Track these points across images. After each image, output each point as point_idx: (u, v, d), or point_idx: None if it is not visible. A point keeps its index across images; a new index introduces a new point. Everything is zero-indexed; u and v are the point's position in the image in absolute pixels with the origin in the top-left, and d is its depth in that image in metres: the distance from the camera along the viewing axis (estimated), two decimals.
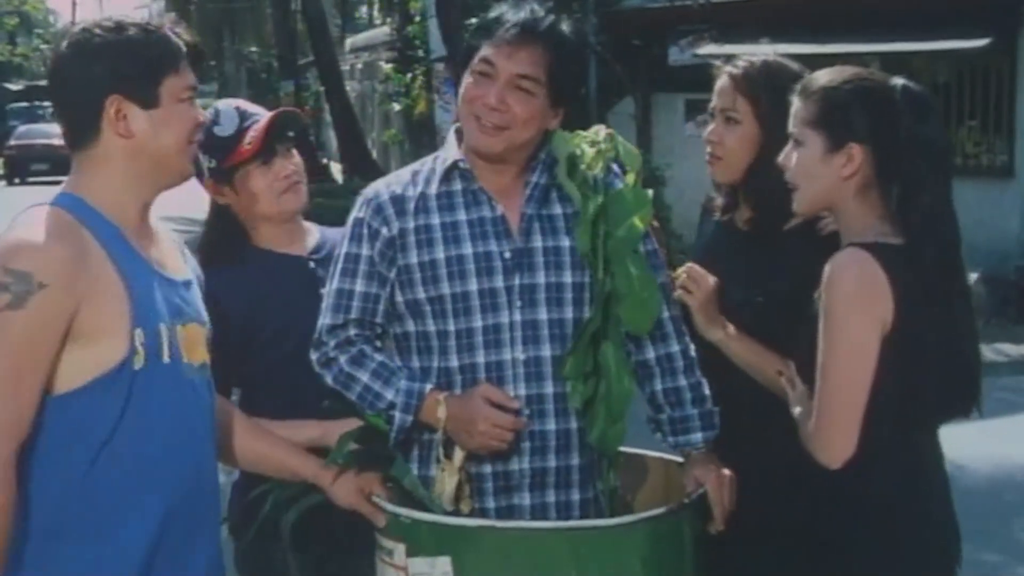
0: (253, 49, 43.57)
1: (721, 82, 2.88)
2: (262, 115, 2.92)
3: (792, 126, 2.56)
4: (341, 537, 2.71)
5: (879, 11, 13.12)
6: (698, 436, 2.61)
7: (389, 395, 2.51)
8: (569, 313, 2.54)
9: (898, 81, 2.54)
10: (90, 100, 2.22)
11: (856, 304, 2.39)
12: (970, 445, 6.78)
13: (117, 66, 2.21)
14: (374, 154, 23.78)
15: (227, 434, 2.56)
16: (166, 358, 2.23)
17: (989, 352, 10.01)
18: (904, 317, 2.39)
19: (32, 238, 2.13)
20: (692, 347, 2.67)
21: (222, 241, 2.94)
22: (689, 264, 2.76)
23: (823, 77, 2.56)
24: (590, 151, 2.61)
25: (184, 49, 2.28)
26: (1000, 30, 12.74)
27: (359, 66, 29.87)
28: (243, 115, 2.90)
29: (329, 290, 2.60)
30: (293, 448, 2.62)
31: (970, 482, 6.52)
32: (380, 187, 2.61)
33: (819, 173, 2.49)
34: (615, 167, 2.64)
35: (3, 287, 2.08)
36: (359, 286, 2.56)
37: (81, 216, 2.19)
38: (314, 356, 2.60)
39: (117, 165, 2.24)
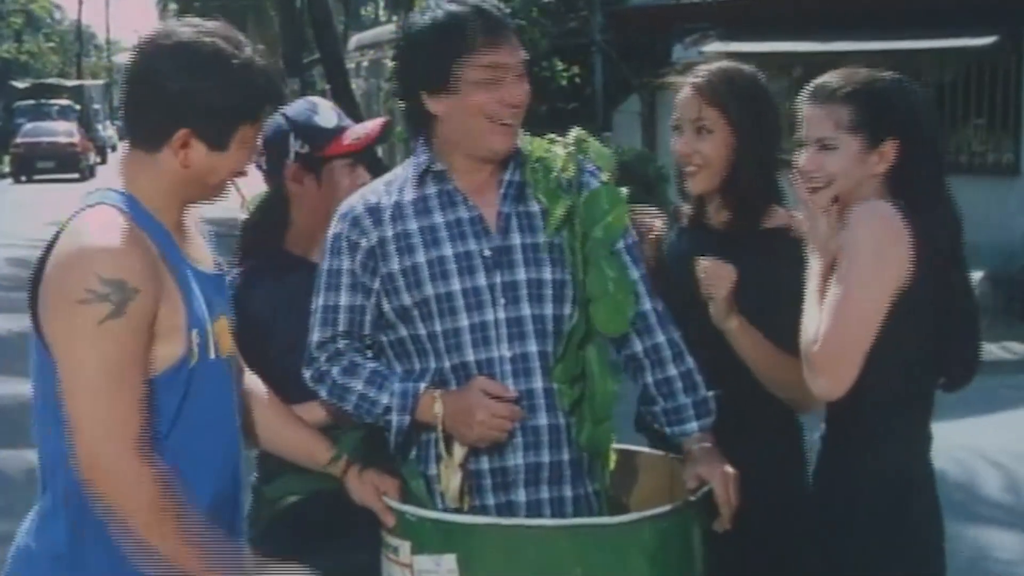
0: (259, 47, 43.58)
1: (684, 95, 2.91)
2: (351, 123, 3.00)
3: (818, 131, 2.60)
4: (346, 534, 2.72)
5: (885, 8, 13.12)
6: (694, 425, 2.60)
7: (384, 399, 2.51)
8: (549, 309, 2.54)
9: (893, 74, 2.63)
10: (167, 122, 2.22)
11: (879, 248, 2.45)
12: (976, 442, 6.80)
13: (205, 104, 2.21)
14: (379, 151, 23.81)
15: (258, 415, 2.58)
16: (212, 355, 2.28)
17: (995, 350, 9.99)
18: (921, 271, 2.45)
19: (113, 243, 2.14)
20: (678, 335, 2.66)
21: (264, 237, 2.97)
22: (705, 261, 2.77)
23: (843, 79, 2.62)
24: (561, 153, 2.60)
25: (272, 94, 2.30)
26: (1007, 28, 12.73)
27: (365, 64, 29.88)
28: (340, 115, 3.00)
29: (315, 307, 2.60)
30: (317, 435, 2.62)
31: (975, 479, 6.53)
32: (354, 200, 2.61)
33: (855, 173, 2.57)
34: (588, 167, 2.63)
35: (102, 297, 2.09)
36: (343, 299, 2.57)
37: (136, 217, 2.21)
38: (307, 373, 2.61)
39: (167, 179, 2.26)
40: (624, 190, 2.63)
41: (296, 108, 3.00)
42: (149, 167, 2.26)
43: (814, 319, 2.51)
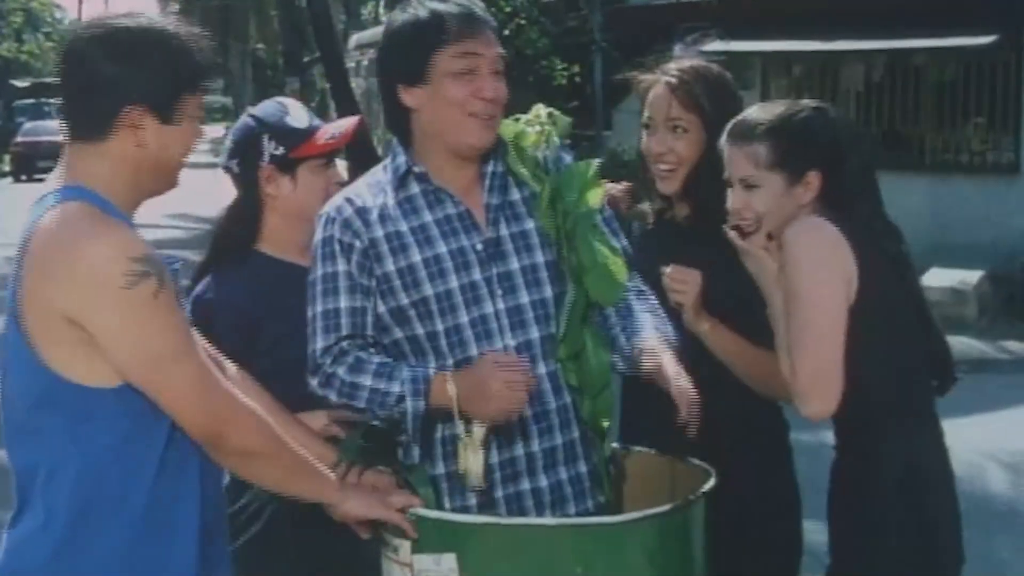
0: (259, 46, 43.61)
1: (658, 93, 2.91)
2: (321, 122, 2.99)
3: (740, 171, 2.62)
4: (346, 530, 2.71)
5: (885, 8, 13.11)
6: (651, 331, 2.56)
7: (396, 388, 2.48)
8: (548, 292, 2.56)
9: (818, 104, 2.65)
10: (111, 103, 2.20)
11: (818, 260, 2.47)
12: (977, 441, 6.79)
13: (148, 78, 2.20)
14: (379, 151, 23.78)
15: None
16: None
17: (994, 349, 10.00)
18: (871, 275, 2.48)
19: (117, 226, 2.15)
20: (647, 290, 2.68)
21: (236, 241, 2.95)
22: (669, 270, 2.77)
23: (760, 116, 2.64)
24: (532, 132, 2.62)
25: (209, 66, 2.29)
26: (1006, 27, 12.73)
27: (364, 63, 29.86)
28: (311, 115, 2.99)
29: (314, 314, 2.57)
30: (316, 437, 2.61)
31: (976, 479, 6.52)
32: (340, 203, 2.59)
33: (782, 208, 2.59)
34: (557, 140, 2.66)
35: (144, 274, 2.10)
36: (343, 302, 2.54)
37: (107, 210, 2.19)
38: (314, 381, 2.57)
39: (122, 166, 2.23)
40: (597, 161, 2.66)
41: (267, 109, 2.99)
42: (100, 159, 2.22)
43: (783, 348, 2.55)
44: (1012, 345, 10.29)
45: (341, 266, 2.54)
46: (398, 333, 2.55)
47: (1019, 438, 7.43)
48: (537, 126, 2.64)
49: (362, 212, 2.55)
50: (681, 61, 2.95)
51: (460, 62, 2.49)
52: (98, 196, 2.20)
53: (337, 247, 2.55)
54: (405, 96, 2.54)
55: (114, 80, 2.19)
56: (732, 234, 2.64)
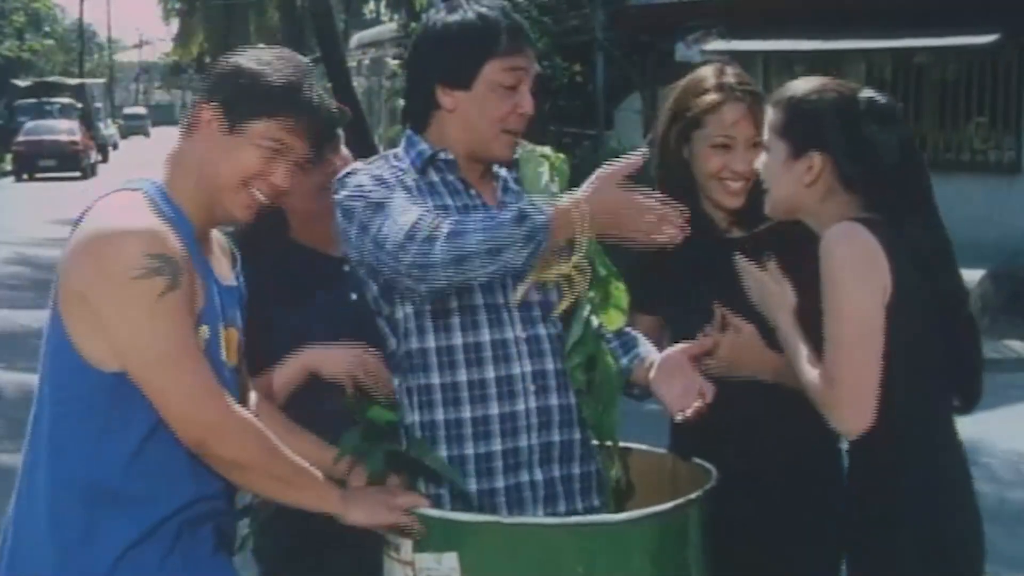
0: (261, 45, 43.54)
1: (736, 112, 2.81)
2: None
3: (764, 133, 2.63)
4: (348, 531, 2.71)
5: (887, 7, 13.13)
6: (649, 347, 2.65)
7: (508, 214, 2.31)
8: (555, 294, 2.58)
9: (865, 92, 2.59)
10: (199, 97, 2.33)
11: (856, 272, 2.44)
12: (979, 440, 6.79)
13: (227, 88, 2.30)
14: (381, 150, 23.78)
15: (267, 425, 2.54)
16: (223, 355, 2.32)
17: (997, 348, 9.98)
18: (902, 283, 2.45)
19: (149, 222, 2.19)
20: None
21: (262, 234, 2.89)
22: (701, 338, 2.68)
23: (793, 87, 2.63)
24: (546, 170, 2.65)
25: (319, 126, 2.34)
26: (1009, 26, 12.74)
27: (366, 62, 29.88)
28: None
29: (383, 220, 2.37)
30: (320, 441, 2.58)
31: (980, 478, 6.51)
32: (359, 167, 2.55)
33: (782, 179, 2.58)
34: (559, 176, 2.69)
35: (156, 271, 2.14)
36: (415, 205, 2.42)
37: (163, 209, 2.25)
38: (406, 256, 2.30)
39: (190, 174, 2.30)
40: None
41: None
42: (177, 161, 2.31)
43: (806, 365, 2.51)
44: (1015, 344, 10.28)
45: (399, 192, 2.45)
46: (413, 343, 2.53)
47: (1020, 437, 7.43)
48: (543, 162, 2.65)
49: (380, 179, 2.50)
50: (726, 67, 2.88)
51: (509, 76, 2.51)
52: (167, 198, 2.27)
53: (391, 180, 2.47)
54: (443, 96, 2.53)
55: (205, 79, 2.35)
56: (738, 257, 2.62)
